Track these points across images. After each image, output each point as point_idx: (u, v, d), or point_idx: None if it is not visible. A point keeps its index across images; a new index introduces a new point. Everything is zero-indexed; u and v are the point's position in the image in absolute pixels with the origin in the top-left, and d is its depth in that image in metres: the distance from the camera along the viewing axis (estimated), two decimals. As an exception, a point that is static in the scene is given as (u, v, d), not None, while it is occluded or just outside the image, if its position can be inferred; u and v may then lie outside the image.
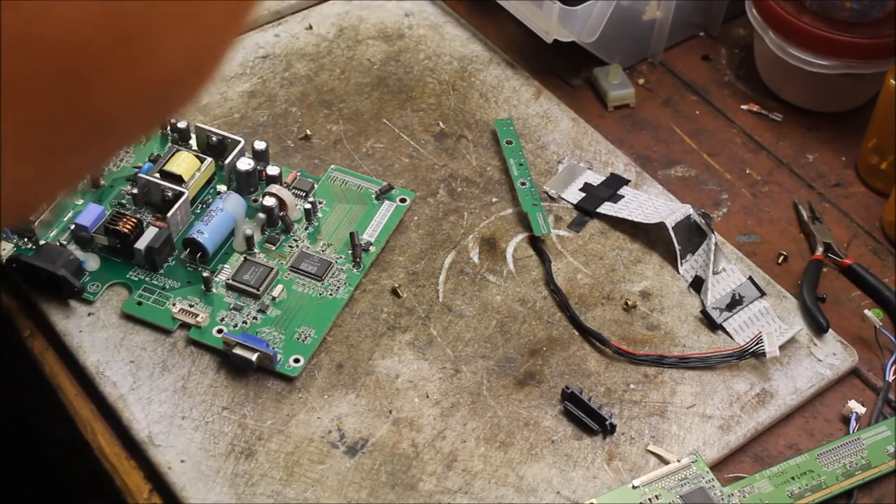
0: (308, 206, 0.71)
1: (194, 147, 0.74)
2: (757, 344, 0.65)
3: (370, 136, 0.78)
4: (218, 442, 0.60)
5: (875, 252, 0.74)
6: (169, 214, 0.68)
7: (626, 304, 0.68)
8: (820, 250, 0.73)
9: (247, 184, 0.72)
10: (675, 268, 0.71)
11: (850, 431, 0.63)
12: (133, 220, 0.68)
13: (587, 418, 0.62)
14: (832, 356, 0.67)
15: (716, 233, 0.70)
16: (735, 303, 0.68)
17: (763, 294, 0.69)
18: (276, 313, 0.66)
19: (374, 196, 0.73)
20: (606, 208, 0.73)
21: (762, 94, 0.85)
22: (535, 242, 0.72)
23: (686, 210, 0.71)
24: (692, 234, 0.71)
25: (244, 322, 0.66)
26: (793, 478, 0.60)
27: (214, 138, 0.73)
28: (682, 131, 0.82)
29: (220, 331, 0.65)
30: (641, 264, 0.71)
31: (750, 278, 0.69)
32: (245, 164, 0.71)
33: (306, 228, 0.71)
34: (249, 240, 0.69)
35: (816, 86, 0.81)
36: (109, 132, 0.29)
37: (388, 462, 0.60)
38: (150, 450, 0.60)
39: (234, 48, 0.30)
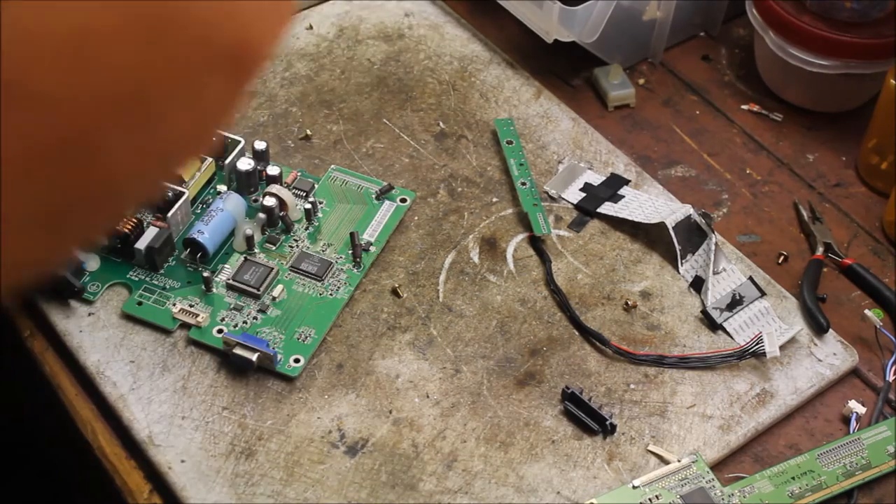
0: (308, 206, 0.71)
1: (194, 147, 0.74)
2: (757, 344, 0.65)
3: (370, 136, 0.78)
4: (218, 442, 0.60)
5: (875, 252, 0.74)
6: (169, 214, 0.68)
7: (627, 304, 0.68)
8: (820, 250, 0.73)
9: (247, 184, 0.72)
10: (676, 268, 0.71)
11: (851, 431, 0.63)
12: (133, 219, 0.68)
13: (587, 418, 0.62)
14: (832, 356, 0.67)
15: (716, 233, 0.70)
16: (735, 303, 0.68)
17: (763, 294, 0.69)
18: (276, 313, 0.66)
19: (374, 196, 0.73)
20: (607, 208, 0.73)
21: (762, 94, 0.85)
22: (536, 242, 0.72)
23: (686, 210, 0.71)
24: (692, 234, 0.71)
25: (244, 322, 0.65)
26: (793, 478, 0.60)
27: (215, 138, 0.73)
28: (683, 131, 0.82)
29: (220, 331, 0.65)
30: (642, 264, 0.71)
31: (750, 278, 0.69)
32: (245, 164, 0.71)
33: (306, 228, 0.71)
34: (250, 240, 0.69)
35: (816, 86, 0.81)
36: (116, 197, 0.29)
37: (389, 462, 0.60)
38: (150, 450, 0.60)
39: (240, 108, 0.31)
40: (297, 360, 0.64)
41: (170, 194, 0.69)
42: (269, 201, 0.70)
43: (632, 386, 0.64)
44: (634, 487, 0.59)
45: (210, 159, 0.72)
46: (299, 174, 0.74)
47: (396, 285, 0.68)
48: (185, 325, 0.65)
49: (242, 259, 0.68)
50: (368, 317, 0.67)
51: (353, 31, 0.86)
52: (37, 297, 0.67)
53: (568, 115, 0.80)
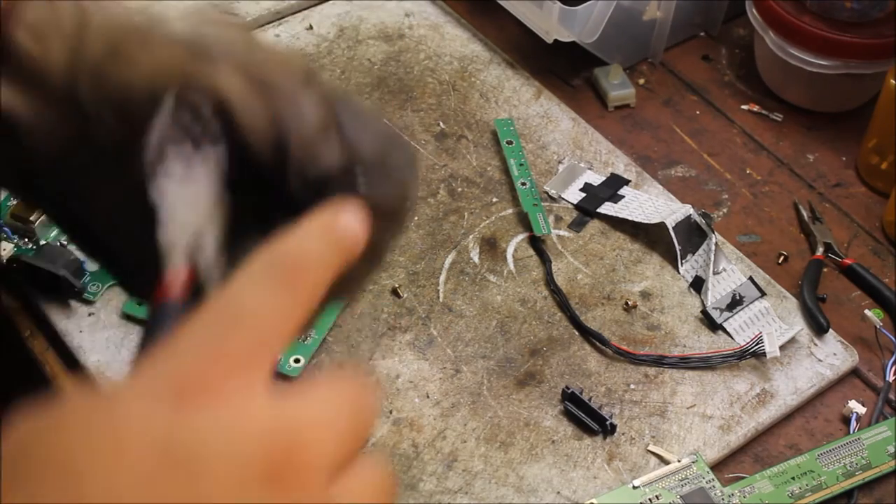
0: (308, 206, 0.71)
1: (194, 147, 0.74)
2: (757, 344, 0.65)
3: (370, 136, 0.78)
4: (218, 442, 0.60)
5: (875, 252, 0.74)
6: (169, 214, 0.68)
7: (627, 304, 0.68)
8: (820, 250, 0.73)
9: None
10: (676, 268, 0.71)
11: (851, 431, 0.63)
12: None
13: (587, 418, 0.62)
14: (832, 356, 0.67)
15: (716, 233, 0.70)
16: (735, 303, 0.68)
17: (763, 294, 0.69)
18: (276, 313, 0.66)
19: (374, 196, 0.73)
20: (607, 208, 0.73)
21: (762, 94, 0.85)
22: (536, 242, 0.72)
23: (686, 210, 0.71)
24: (692, 234, 0.71)
25: (244, 322, 0.65)
26: (793, 478, 0.60)
27: (215, 138, 0.72)
28: (683, 131, 0.82)
29: (220, 331, 0.65)
30: (642, 264, 0.71)
31: (750, 278, 0.69)
32: (245, 164, 0.71)
33: (306, 228, 0.71)
34: (250, 240, 0.69)
35: (816, 86, 0.81)
36: None
37: (389, 462, 0.60)
38: (150, 450, 0.60)
39: None
40: (297, 361, 0.64)
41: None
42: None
43: (632, 386, 0.64)
44: (634, 487, 0.59)
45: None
46: (299, 174, 0.74)
47: (396, 285, 0.68)
48: (186, 326, 0.65)
49: (242, 259, 0.68)
50: (369, 317, 0.67)
51: (353, 31, 0.86)
52: (37, 297, 0.67)
53: (568, 115, 0.80)
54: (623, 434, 0.62)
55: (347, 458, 0.30)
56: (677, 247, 0.70)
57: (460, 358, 0.65)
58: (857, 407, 0.64)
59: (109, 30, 0.36)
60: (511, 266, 0.71)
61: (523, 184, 0.74)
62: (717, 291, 0.69)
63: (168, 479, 0.27)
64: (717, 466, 0.62)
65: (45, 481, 0.26)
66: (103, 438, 0.27)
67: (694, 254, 0.71)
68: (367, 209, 0.33)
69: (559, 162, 0.77)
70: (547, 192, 0.75)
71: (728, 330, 0.67)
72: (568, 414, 0.63)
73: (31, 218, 0.67)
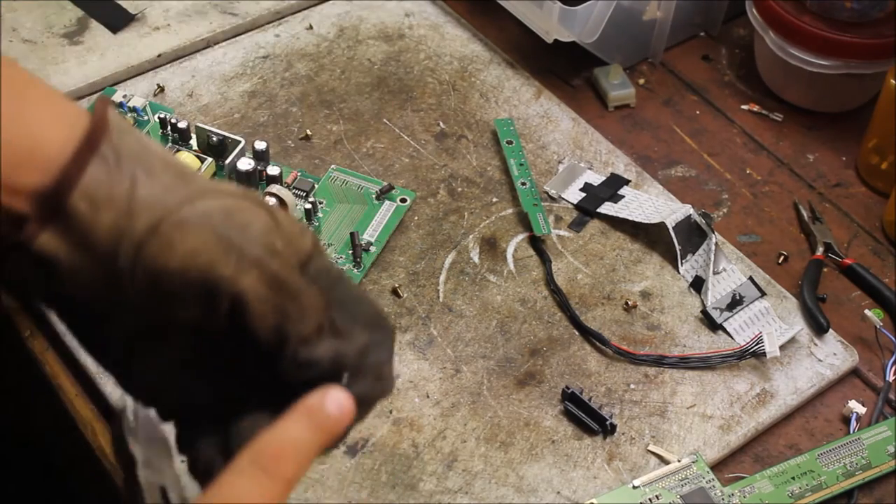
0: (308, 206, 0.71)
1: (195, 147, 0.74)
2: (757, 344, 0.65)
3: (370, 136, 0.78)
4: (218, 442, 0.60)
5: (875, 252, 0.74)
6: (169, 214, 0.68)
7: (627, 304, 0.68)
8: (820, 250, 0.73)
9: (247, 184, 0.72)
10: (676, 268, 0.71)
11: (851, 431, 0.63)
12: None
13: (587, 418, 0.62)
14: (832, 356, 0.67)
15: (716, 233, 0.70)
16: (735, 303, 0.68)
17: (763, 294, 0.69)
18: (276, 313, 0.66)
19: (374, 196, 0.73)
20: (607, 208, 0.73)
21: (762, 94, 0.85)
22: (536, 242, 0.72)
23: (686, 210, 0.71)
24: (692, 234, 0.71)
25: (244, 322, 0.65)
26: (793, 478, 0.60)
27: (215, 138, 0.73)
28: (683, 131, 0.82)
29: (220, 331, 0.65)
30: (642, 264, 0.71)
31: (750, 278, 0.69)
32: (245, 164, 0.71)
33: (307, 228, 0.71)
34: (250, 240, 0.69)
35: (816, 86, 0.81)
36: None
37: (389, 462, 0.60)
38: (150, 450, 0.60)
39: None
40: (297, 360, 0.64)
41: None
42: (270, 201, 0.70)
43: (632, 386, 0.64)
44: (634, 487, 0.59)
45: (210, 159, 0.72)
46: (299, 174, 0.74)
47: (397, 285, 0.68)
48: (186, 325, 0.65)
49: (242, 259, 0.68)
50: (368, 317, 0.67)
51: (353, 31, 0.86)
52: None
53: (568, 115, 0.80)
54: (623, 434, 0.62)
55: None
56: (677, 247, 0.70)
57: (460, 358, 0.65)
58: (857, 407, 0.64)
59: (153, 207, 0.40)
60: (511, 266, 0.71)
61: (523, 184, 0.74)
62: (717, 291, 0.69)
63: None
64: (717, 466, 0.62)
65: None
66: None
67: (694, 254, 0.71)
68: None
69: (559, 162, 0.77)
70: (547, 192, 0.75)
71: (728, 330, 0.67)
72: (568, 414, 0.63)
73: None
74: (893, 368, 0.66)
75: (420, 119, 0.79)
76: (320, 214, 0.72)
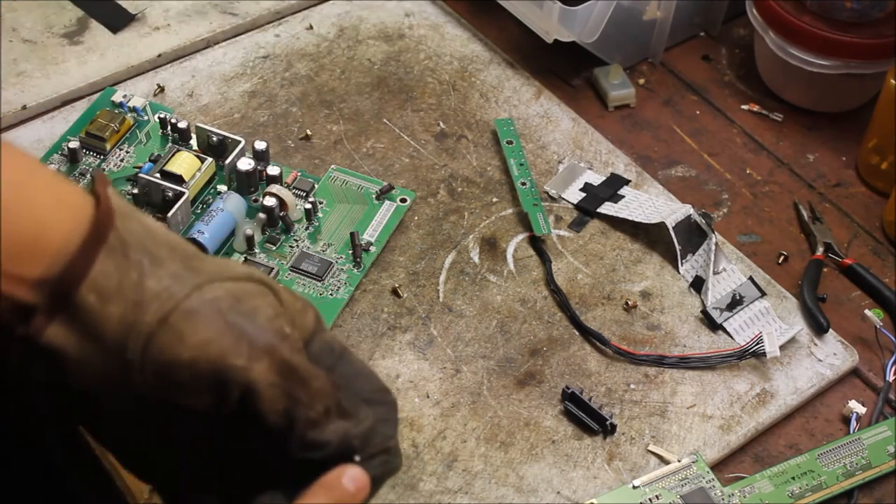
0: (308, 206, 0.71)
1: (195, 147, 0.74)
2: (757, 344, 0.65)
3: (370, 136, 0.78)
4: (218, 442, 0.60)
5: (875, 252, 0.74)
6: (169, 214, 0.68)
7: (627, 304, 0.68)
8: (820, 250, 0.73)
9: (247, 184, 0.72)
10: (676, 268, 0.71)
11: (851, 431, 0.63)
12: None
13: (587, 418, 0.62)
14: (832, 356, 0.67)
15: (716, 233, 0.70)
16: (735, 303, 0.68)
17: (763, 294, 0.69)
18: (276, 313, 0.66)
19: (374, 196, 0.73)
20: (607, 208, 0.73)
21: (762, 94, 0.85)
22: (536, 242, 0.72)
23: (686, 210, 0.71)
24: (692, 234, 0.71)
25: (244, 322, 0.65)
26: (793, 478, 0.60)
27: (215, 138, 0.73)
28: (683, 131, 0.82)
29: (220, 331, 0.65)
30: (642, 264, 0.71)
31: (750, 278, 0.69)
32: (245, 164, 0.71)
33: (307, 228, 0.71)
34: (250, 240, 0.69)
35: (816, 86, 0.81)
36: None
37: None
38: (150, 450, 0.60)
39: None
40: (297, 361, 0.64)
41: (170, 194, 0.69)
42: (270, 201, 0.70)
43: (632, 386, 0.64)
44: (634, 487, 0.59)
45: (210, 159, 0.72)
46: (299, 174, 0.74)
47: (396, 285, 0.68)
48: (186, 325, 0.65)
49: (243, 259, 0.68)
50: (369, 317, 0.67)
51: (353, 31, 0.86)
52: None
53: (568, 115, 0.80)
54: (623, 434, 0.62)
55: None
56: (677, 247, 0.70)
57: (460, 358, 0.65)
58: (857, 407, 0.64)
59: (162, 298, 0.40)
60: (511, 266, 0.71)
61: (523, 184, 0.74)
62: (717, 291, 0.69)
63: None
64: (717, 466, 0.62)
65: None
66: None
67: (694, 254, 0.71)
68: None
69: (559, 162, 0.77)
70: (547, 192, 0.75)
71: (728, 330, 0.67)
72: (568, 414, 0.63)
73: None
74: (893, 368, 0.66)
75: (420, 119, 0.79)
76: (320, 214, 0.72)
